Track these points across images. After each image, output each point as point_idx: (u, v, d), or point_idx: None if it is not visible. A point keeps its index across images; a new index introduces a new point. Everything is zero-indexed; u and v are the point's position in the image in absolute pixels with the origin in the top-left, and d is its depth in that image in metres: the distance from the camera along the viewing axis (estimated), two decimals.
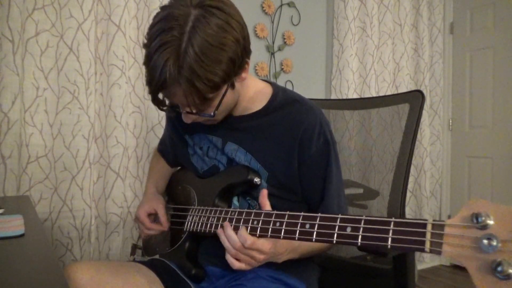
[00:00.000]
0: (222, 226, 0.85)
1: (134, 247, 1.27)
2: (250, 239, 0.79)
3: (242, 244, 0.79)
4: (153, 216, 1.12)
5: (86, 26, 1.66)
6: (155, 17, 0.83)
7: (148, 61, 0.82)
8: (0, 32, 1.49)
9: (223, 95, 0.88)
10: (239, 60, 0.84)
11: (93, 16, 1.68)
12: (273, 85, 1.04)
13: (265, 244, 0.80)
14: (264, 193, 0.85)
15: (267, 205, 0.83)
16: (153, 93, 0.85)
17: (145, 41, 0.84)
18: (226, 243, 0.82)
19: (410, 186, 2.86)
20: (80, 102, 1.66)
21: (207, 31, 0.79)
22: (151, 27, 0.82)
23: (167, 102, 0.90)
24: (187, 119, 0.93)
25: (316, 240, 0.69)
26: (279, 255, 0.86)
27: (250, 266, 0.83)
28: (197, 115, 0.89)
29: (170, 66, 0.78)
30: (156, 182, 1.22)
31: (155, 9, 1.84)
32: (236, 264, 0.82)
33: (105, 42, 1.76)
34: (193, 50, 0.78)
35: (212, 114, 0.89)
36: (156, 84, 0.81)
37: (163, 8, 0.84)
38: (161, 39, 0.79)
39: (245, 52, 0.87)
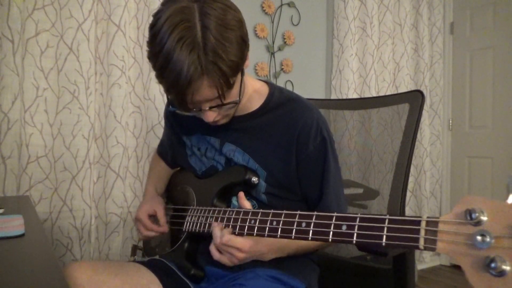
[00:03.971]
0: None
1: (135, 248, 1.27)
2: (226, 236, 0.81)
3: (220, 238, 0.82)
4: (153, 218, 1.12)
5: (86, 26, 1.66)
6: (156, 21, 0.81)
7: (167, 62, 0.79)
8: (0, 32, 1.49)
9: (241, 81, 0.89)
10: (246, 39, 0.86)
11: (93, 16, 1.68)
12: (270, 85, 1.04)
13: (244, 243, 0.81)
14: (241, 195, 0.87)
15: (247, 206, 0.85)
16: (181, 94, 0.82)
17: (152, 47, 0.82)
18: (214, 237, 0.85)
19: (410, 186, 2.86)
20: (80, 102, 1.66)
21: (216, 14, 0.79)
22: (158, 31, 0.80)
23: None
24: (209, 116, 0.90)
25: (312, 239, 0.70)
26: (263, 254, 0.87)
27: (231, 262, 0.84)
28: (222, 106, 0.87)
29: (197, 56, 0.77)
30: (155, 183, 1.23)
31: (155, 9, 1.82)
32: (216, 255, 0.84)
33: (105, 42, 1.77)
34: (211, 34, 0.78)
35: (238, 99, 0.89)
36: (184, 80, 0.78)
37: (160, 11, 0.82)
38: (175, 35, 0.77)
39: (247, 32, 0.88)
